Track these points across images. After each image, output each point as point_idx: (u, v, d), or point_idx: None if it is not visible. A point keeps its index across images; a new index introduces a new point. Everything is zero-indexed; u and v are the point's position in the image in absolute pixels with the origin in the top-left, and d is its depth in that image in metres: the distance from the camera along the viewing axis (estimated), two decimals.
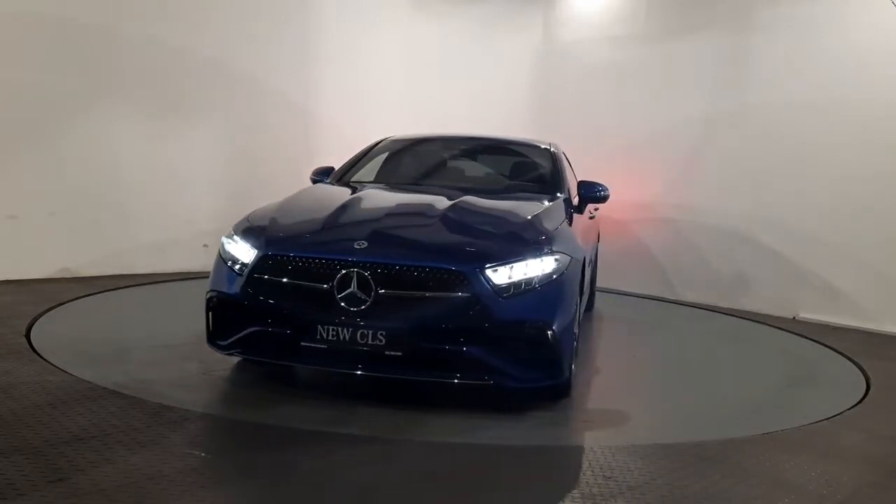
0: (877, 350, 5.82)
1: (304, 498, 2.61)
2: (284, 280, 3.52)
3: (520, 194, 4.78)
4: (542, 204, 4.33)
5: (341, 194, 4.41)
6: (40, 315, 4.97)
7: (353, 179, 5.17)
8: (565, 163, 5.30)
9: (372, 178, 5.26)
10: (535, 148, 5.47)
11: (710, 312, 7.16)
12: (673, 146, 7.76)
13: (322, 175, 5.26)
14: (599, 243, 6.78)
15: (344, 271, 3.40)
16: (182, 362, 4.12)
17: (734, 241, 7.36)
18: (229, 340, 3.65)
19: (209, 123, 7.39)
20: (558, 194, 4.68)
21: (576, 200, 4.92)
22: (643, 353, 5.58)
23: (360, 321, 3.36)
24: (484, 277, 3.41)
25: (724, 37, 7.46)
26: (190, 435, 3.12)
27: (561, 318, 3.55)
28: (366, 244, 3.52)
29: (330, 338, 3.38)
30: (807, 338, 6.15)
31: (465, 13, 9.11)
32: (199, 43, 7.15)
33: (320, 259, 3.47)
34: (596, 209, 6.41)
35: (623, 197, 7.38)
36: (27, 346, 4.24)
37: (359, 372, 3.48)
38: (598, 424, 3.70)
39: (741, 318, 6.93)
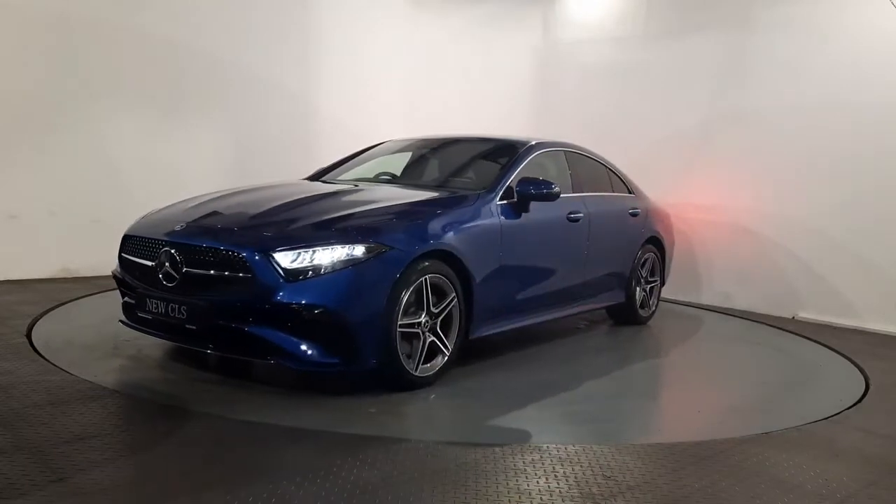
0: (876, 350, 5.83)
1: (305, 498, 2.61)
2: (130, 258, 4.03)
3: (437, 187, 4.72)
4: (432, 197, 4.37)
5: (238, 188, 4.69)
6: (41, 315, 4.98)
7: (337, 179, 5.32)
8: (528, 162, 4.93)
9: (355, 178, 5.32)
10: (511, 146, 5.17)
11: (709, 312, 7.17)
12: (673, 146, 7.76)
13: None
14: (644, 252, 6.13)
15: (162, 250, 3.77)
16: (182, 362, 4.13)
17: (733, 241, 7.36)
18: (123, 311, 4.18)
19: (210, 122, 7.40)
20: (478, 191, 4.51)
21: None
22: (641, 353, 5.59)
23: (171, 296, 3.70)
24: (270, 260, 3.49)
25: (724, 38, 7.46)
26: (191, 434, 3.13)
27: (357, 303, 3.55)
28: (184, 226, 3.85)
29: (154, 310, 3.77)
30: (806, 338, 6.16)
31: (466, 13, 9.12)
32: (199, 41, 7.17)
33: (149, 239, 3.93)
34: (634, 214, 6.01)
35: None
36: (28, 345, 4.26)
37: (168, 341, 3.96)
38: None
39: (740, 317, 6.94)
